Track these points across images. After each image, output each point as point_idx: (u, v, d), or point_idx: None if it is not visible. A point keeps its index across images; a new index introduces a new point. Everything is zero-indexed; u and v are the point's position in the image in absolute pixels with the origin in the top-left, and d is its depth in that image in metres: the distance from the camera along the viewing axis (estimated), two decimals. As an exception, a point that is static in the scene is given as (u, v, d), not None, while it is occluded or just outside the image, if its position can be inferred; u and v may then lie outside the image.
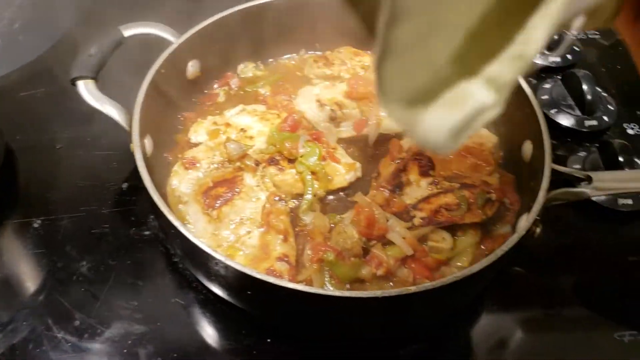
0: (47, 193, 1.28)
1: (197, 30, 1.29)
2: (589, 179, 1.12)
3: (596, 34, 1.72)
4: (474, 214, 1.17)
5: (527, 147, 1.22)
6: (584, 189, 1.11)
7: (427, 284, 0.91)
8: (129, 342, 1.06)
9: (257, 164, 1.20)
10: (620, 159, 1.27)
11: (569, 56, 1.59)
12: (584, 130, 1.41)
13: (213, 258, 0.94)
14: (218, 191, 1.14)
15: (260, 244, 1.10)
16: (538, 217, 1.08)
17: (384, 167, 1.25)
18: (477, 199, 1.18)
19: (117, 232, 1.21)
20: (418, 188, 1.21)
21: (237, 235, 1.10)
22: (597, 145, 1.35)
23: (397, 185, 1.21)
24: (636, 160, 1.33)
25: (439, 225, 1.16)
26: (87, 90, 1.17)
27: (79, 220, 1.23)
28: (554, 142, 1.42)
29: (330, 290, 0.97)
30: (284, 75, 1.44)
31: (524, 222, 1.03)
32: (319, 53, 1.48)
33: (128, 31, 1.25)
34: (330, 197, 1.23)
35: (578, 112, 1.41)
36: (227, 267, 0.94)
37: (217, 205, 1.12)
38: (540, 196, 1.06)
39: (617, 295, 1.18)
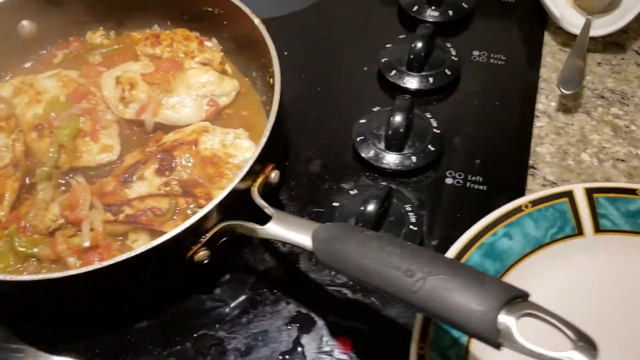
0: None
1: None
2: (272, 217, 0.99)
3: (503, 59, 1.40)
4: (175, 224, 1.10)
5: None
6: (256, 227, 0.99)
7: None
8: None
9: (17, 126, 1.25)
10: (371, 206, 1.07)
11: (447, 71, 1.34)
12: (384, 167, 1.20)
13: None
14: (-40, 144, 1.22)
15: (-25, 202, 1.18)
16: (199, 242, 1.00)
17: (131, 157, 1.22)
18: (186, 211, 1.11)
19: None
20: (147, 185, 1.17)
21: (-42, 191, 1.19)
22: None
23: (130, 177, 1.18)
24: (412, 217, 1.11)
25: (140, 226, 1.12)
26: None
27: None
28: (376, 175, 1.23)
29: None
30: (122, 48, 1.44)
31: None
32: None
33: None
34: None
35: (382, 146, 1.20)
36: None
37: (-50, 156, 1.21)
38: (196, 217, 0.97)
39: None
